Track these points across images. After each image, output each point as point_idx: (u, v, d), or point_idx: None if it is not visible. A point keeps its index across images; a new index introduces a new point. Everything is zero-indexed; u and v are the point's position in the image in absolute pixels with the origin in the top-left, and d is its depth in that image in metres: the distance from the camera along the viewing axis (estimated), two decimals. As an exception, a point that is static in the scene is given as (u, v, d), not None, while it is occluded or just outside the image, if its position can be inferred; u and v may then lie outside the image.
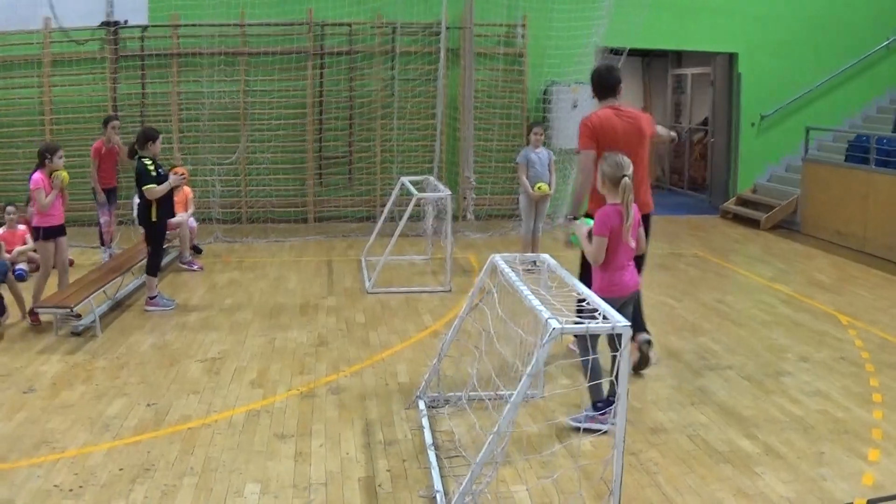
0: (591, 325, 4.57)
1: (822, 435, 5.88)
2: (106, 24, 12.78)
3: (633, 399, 6.22)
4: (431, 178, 11.17)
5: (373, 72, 13.52)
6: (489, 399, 6.12)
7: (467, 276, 10.42)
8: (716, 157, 16.37)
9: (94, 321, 7.92)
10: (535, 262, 6.34)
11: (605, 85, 7.01)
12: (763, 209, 14.27)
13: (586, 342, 5.74)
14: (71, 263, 9.15)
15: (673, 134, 7.89)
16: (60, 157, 8.18)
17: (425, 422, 5.95)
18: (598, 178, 5.90)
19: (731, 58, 15.18)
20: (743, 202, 14.98)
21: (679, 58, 19.00)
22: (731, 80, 15.30)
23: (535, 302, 4.96)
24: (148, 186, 8.36)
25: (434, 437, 5.71)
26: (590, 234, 5.93)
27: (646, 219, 6.74)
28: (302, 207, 13.69)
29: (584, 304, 5.13)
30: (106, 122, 10.58)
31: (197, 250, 10.85)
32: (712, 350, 7.72)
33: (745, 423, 6.07)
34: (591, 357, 5.53)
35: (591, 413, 5.87)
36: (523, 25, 13.94)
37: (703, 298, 9.44)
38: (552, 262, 6.08)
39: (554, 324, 4.48)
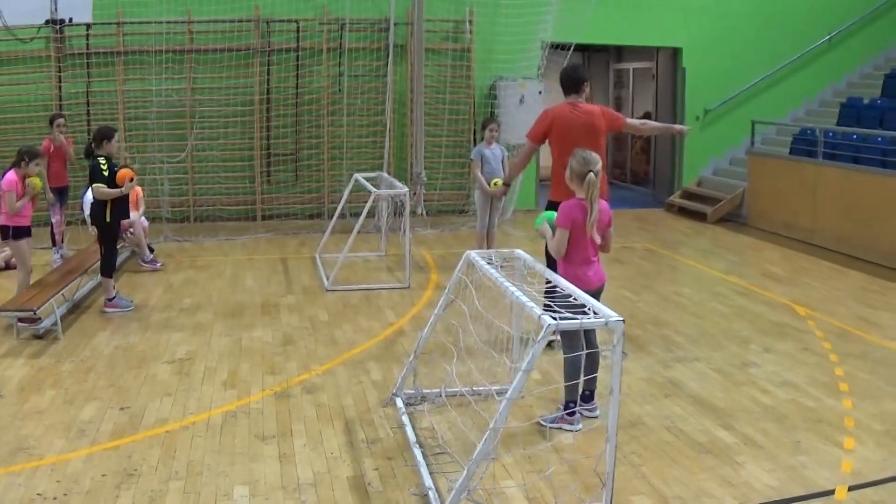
0: (585, 320, 4.60)
1: (796, 424, 6.01)
2: (50, 22, 12.43)
3: (607, 391, 6.24)
4: (385, 175, 11.13)
5: (320, 69, 13.37)
6: (470, 395, 6.12)
7: (424, 273, 10.42)
8: (659, 150, 16.62)
9: (55, 324, 7.71)
10: (505, 259, 6.32)
11: (567, 82, 7.54)
12: (708, 202, 14.52)
13: (571, 339, 5.77)
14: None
15: (684, 128, 8.60)
16: (37, 165, 8.17)
17: (405, 419, 5.93)
18: (566, 172, 5.93)
19: (676, 52, 15.41)
20: (688, 195, 15.23)
21: (619, 52, 19.21)
22: (675, 74, 15.54)
23: (524, 299, 4.95)
24: (97, 185, 8.16)
25: (416, 435, 5.68)
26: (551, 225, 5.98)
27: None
28: (250, 206, 13.51)
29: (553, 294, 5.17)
30: (51, 120, 10.34)
31: (149, 250, 10.63)
32: (677, 342, 7.82)
33: (720, 414, 6.17)
34: (575, 354, 5.59)
35: (560, 414, 5.91)
36: (470, 21, 13.94)
37: (661, 291, 9.58)
38: (527, 257, 6.10)
39: (549, 320, 4.48)
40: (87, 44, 12.67)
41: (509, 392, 4.55)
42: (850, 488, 5.08)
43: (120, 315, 8.45)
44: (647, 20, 14.83)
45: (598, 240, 5.84)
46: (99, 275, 8.71)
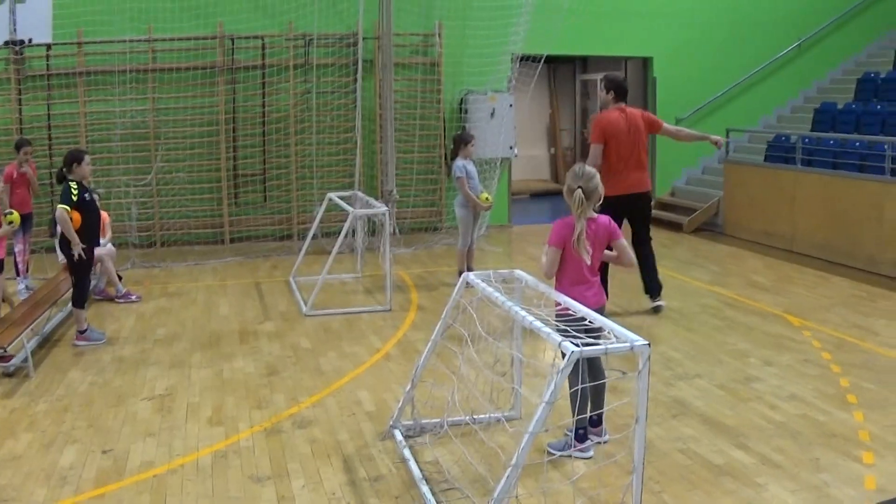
0: (610, 346, 4.33)
1: (811, 440, 5.81)
2: (9, 43, 11.96)
3: (614, 415, 6.01)
4: (359, 193, 10.81)
5: (287, 85, 13.02)
6: (472, 424, 5.82)
7: (403, 293, 10.11)
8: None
9: (26, 360, 7.28)
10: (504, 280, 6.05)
11: (619, 91, 8.81)
12: (682, 212, 14.39)
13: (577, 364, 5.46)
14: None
15: (721, 139, 9.56)
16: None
17: (407, 453, 5.63)
18: (564, 189, 5.68)
19: (646, 62, 15.28)
20: (662, 206, 15.07)
21: (585, 63, 19.10)
22: (645, 83, 15.40)
23: (538, 324, 4.67)
24: (62, 206, 7.71)
25: (421, 470, 5.37)
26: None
27: (643, 196, 8.92)
28: (218, 228, 13.09)
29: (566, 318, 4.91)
30: (18, 146, 9.92)
31: (118, 278, 10.19)
32: (675, 359, 7.61)
33: (732, 433, 5.96)
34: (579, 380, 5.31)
35: (573, 442, 5.64)
36: (438, 34, 13.68)
37: (648, 305, 9.33)
38: (529, 277, 5.83)
39: (571, 348, 4.22)
40: (48, 65, 12.21)
41: (532, 426, 4.28)
42: (878, 505, 4.88)
43: (92, 348, 8.03)
44: (616, 30, 14.69)
45: (587, 260, 5.55)
46: (69, 305, 8.28)
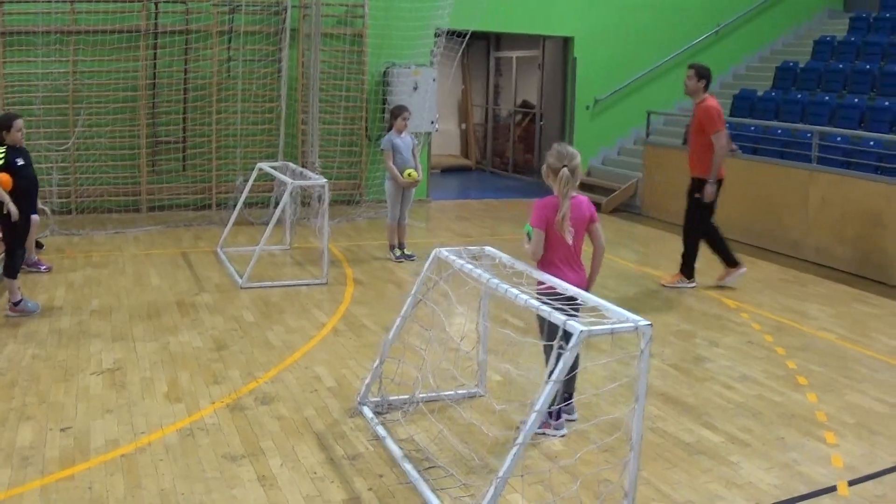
0: (615, 325, 4.36)
1: (772, 420, 6.04)
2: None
3: (577, 394, 6.06)
4: (291, 164, 10.57)
5: (209, 52, 12.60)
6: (435, 401, 5.82)
7: (336, 267, 9.99)
8: (547, 139, 16.64)
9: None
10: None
11: (710, 78, 9.16)
12: (599, 192, 14.61)
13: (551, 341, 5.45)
14: None
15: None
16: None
17: (381, 430, 5.57)
18: (543, 168, 5.67)
19: (567, 41, 15.41)
20: (580, 186, 15.23)
21: (499, 40, 19.14)
22: (565, 63, 15.54)
23: (534, 303, 4.68)
24: None
25: (400, 448, 5.32)
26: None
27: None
28: (135, 196, 12.62)
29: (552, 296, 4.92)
30: None
31: (38, 245, 9.72)
32: (623, 338, 7.65)
33: (696, 413, 6.13)
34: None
35: (548, 420, 5.67)
36: (364, 5, 13.47)
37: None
38: (501, 254, 5.83)
39: (578, 327, 4.23)
40: (-35, 24, 11.49)
41: (538, 405, 4.30)
42: (850, 483, 5.11)
43: (27, 319, 7.64)
44: (539, 9, 14.79)
45: (568, 239, 5.58)
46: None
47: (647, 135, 14.20)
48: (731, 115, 13.47)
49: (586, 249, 5.74)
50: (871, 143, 10.87)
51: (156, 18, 12.27)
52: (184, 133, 12.77)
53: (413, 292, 5.90)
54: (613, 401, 6.27)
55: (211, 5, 12.48)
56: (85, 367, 6.57)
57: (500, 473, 4.25)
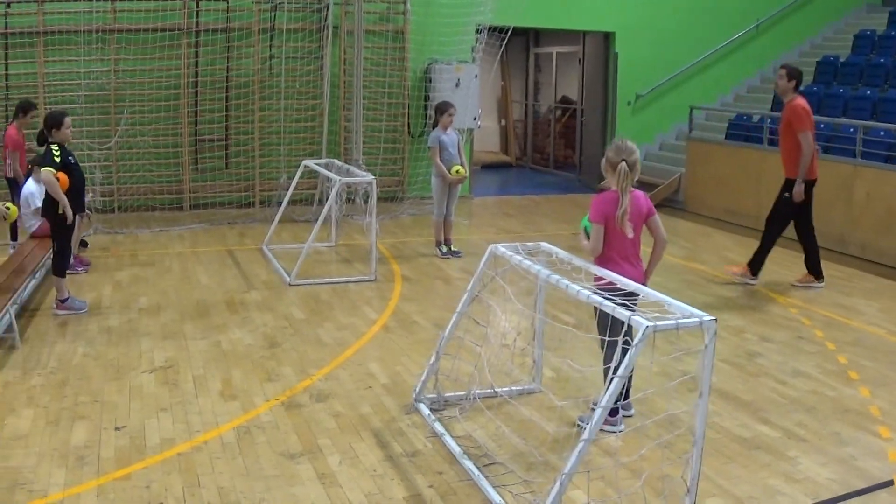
0: (680, 321, 4.31)
1: (827, 415, 5.94)
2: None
3: (633, 390, 5.98)
4: (336, 161, 10.56)
5: (250, 50, 12.63)
6: (492, 397, 5.78)
7: (383, 264, 9.96)
8: (588, 135, 16.52)
9: (11, 331, 6.89)
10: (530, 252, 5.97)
11: (801, 79, 9.07)
12: (643, 187, 14.42)
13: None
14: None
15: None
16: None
17: (439, 427, 5.52)
18: (603, 163, 5.61)
19: (607, 37, 15.29)
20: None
21: (538, 36, 19.04)
22: (606, 59, 15.42)
23: (597, 298, 4.62)
24: (46, 168, 7.38)
25: (458, 445, 5.28)
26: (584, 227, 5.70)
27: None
28: (177, 195, 12.69)
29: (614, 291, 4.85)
30: (24, 109, 9.58)
31: (83, 244, 9.78)
32: (674, 332, 7.60)
33: (750, 408, 6.04)
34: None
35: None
36: (405, 2, 13.44)
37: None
38: (557, 250, 5.77)
39: (644, 322, 4.17)
40: (6, 23, 11.56)
41: (603, 400, 4.25)
42: (908, 478, 4.99)
43: (75, 318, 7.69)
44: (579, 4, 14.67)
45: (629, 233, 5.51)
46: (39, 273, 7.88)
47: (690, 130, 14.04)
48: (771, 111, 13.30)
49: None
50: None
51: (197, 16, 12.31)
52: (226, 131, 12.82)
53: (469, 288, 5.85)
54: (667, 396, 6.16)
55: (252, 3, 12.49)
56: (136, 366, 6.57)
57: (566, 469, 4.19)
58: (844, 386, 6.48)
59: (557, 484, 4.20)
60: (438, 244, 10.41)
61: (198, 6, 12.29)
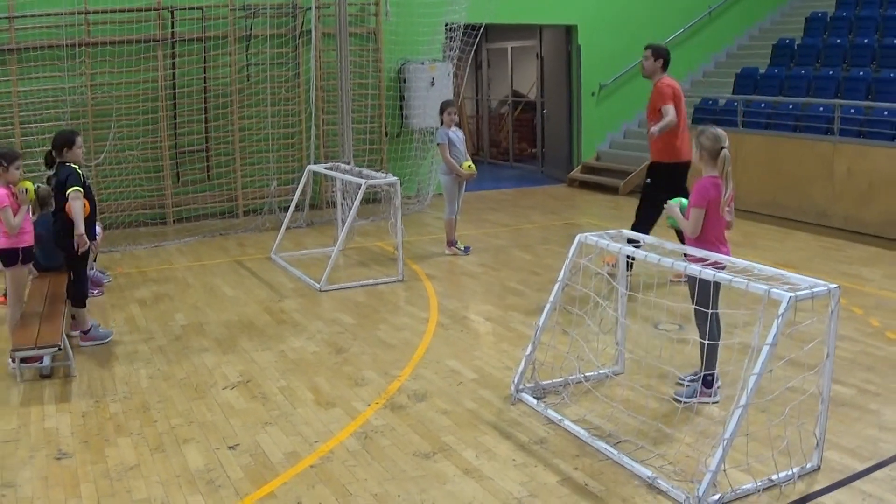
0: (815, 290, 4.59)
1: (886, 372, 6.41)
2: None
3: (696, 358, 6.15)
4: (342, 164, 10.56)
5: (228, 59, 12.48)
6: (585, 381, 5.98)
7: (396, 264, 9.93)
8: (551, 128, 16.81)
9: (67, 359, 6.66)
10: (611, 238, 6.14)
11: (668, 58, 8.87)
12: (609, 175, 14.86)
13: (706, 313, 5.57)
14: None
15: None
16: (18, 168, 6.90)
17: (554, 414, 5.66)
18: (694, 150, 5.86)
19: (569, 30, 15.58)
20: (588, 170, 15.51)
21: (487, 32, 19.20)
22: (568, 51, 15.72)
23: (726, 276, 4.89)
24: (76, 188, 6.92)
25: (584, 429, 5.44)
26: (682, 210, 5.90)
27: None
28: (160, 209, 12.44)
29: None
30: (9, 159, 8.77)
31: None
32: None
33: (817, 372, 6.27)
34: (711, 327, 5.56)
35: (700, 388, 5.84)
36: (376, 3, 13.49)
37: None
38: (643, 236, 6.05)
39: (786, 294, 4.45)
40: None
41: (758, 367, 4.50)
42: None
43: (120, 341, 7.46)
44: (542, 1, 14.93)
45: (728, 217, 5.79)
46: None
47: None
48: (734, 93, 13.80)
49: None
50: (885, 112, 11.28)
51: (172, 27, 12.10)
52: (207, 142, 12.63)
53: (560, 278, 5.99)
54: (738, 366, 6.40)
55: (228, 10, 12.34)
56: (212, 383, 6.45)
57: (727, 435, 4.43)
58: (888, 345, 6.94)
59: (720, 449, 4.43)
60: (452, 242, 10.50)
61: (173, 16, 12.07)
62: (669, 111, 8.46)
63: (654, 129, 8.51)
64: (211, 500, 4.72)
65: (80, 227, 6.95)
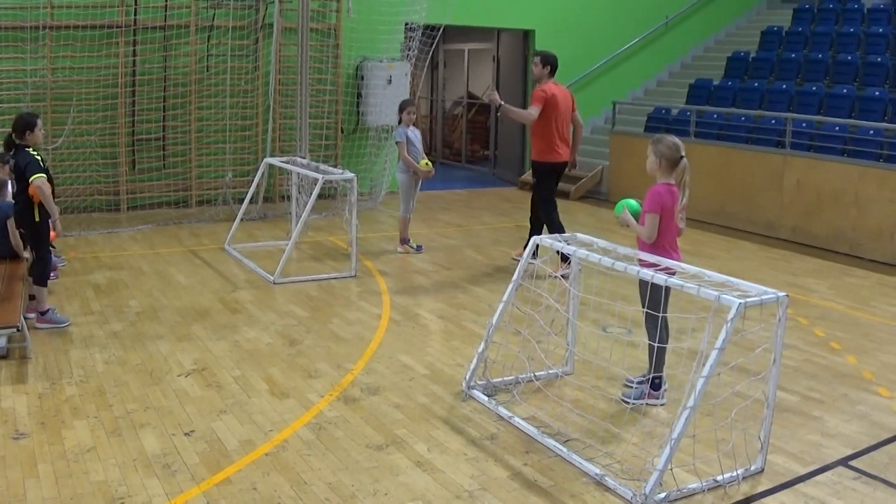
0: (764, 297, 4.77)
1: (829, 380, 6.65)
2: None
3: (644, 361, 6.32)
4: (298, 158, 10.62)
5: (189, 49, 12.45)
6: (535, 381, 6.12)
7: (350, 260, 10.03)
8: (504, 131, 16.99)
9: (23, 340, 6.65)
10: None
11: (555, 64, 9.48)
12: (566, 180, 14.96)
13: (656, 318, 5.75)
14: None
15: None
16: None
17: (505, 411, 5.81)
18: (652, 158, 6.00)
19: (527, 34, 15.78)
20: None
21: (444, 33, 19.34)
22: (525, 56, 15.91)
23: (678, 282, 5.04)
24: (39, 176, 7.07)
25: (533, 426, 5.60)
26: (632, 211, 6.08)
27: (564, 165, 9.65)
28: (115, 196, 12.37)
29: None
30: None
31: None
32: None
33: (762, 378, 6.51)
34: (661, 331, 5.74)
35: (647, 390, 6.03)
36: (338, 0, 13.54)
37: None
38: (597, 240, 6.17)
39: (735, 300, 4.62)
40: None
41: (706, 370, 4.67)
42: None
43: (78, 325, 7.47)
44: (499, 3, 15.09)
45: (681, 225, 5.97)
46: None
47: (613, 125, 14.72)
48: (687, 104, 14.10)
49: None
50: (837, 128, 11.65)
51: (135, 14, 12.03)
52: (164, 130, 12.58)
53: (514, 279, 6.14)
54: (686, 370, 6.61)
55: (191, 0, 12.31)
56: (167, 369, 6.50)
57: (674, 435, 4.59)
58: (832, 355, 7.17)
59: (667, 448, 4.60)
60: (404, 240, 10.61)
61: (136, 3, 11.99)
62: (532, 112, 9.28)
63: (505, 106, 9.45)
64: (168, 484, 4.78)
65: (55, 213, 7.22)
